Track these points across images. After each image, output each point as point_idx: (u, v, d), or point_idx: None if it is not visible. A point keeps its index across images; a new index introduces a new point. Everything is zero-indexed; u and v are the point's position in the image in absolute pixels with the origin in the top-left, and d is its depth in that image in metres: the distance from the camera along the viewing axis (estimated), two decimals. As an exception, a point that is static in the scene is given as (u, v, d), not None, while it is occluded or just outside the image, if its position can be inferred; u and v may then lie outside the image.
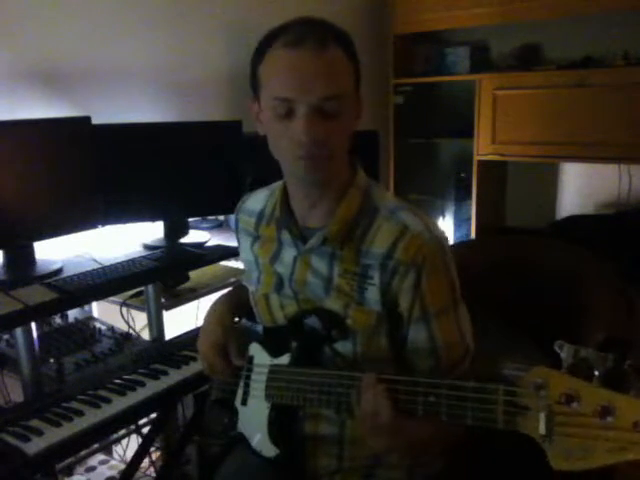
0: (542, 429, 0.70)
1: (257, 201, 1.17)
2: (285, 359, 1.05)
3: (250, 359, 1.12)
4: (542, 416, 0.70)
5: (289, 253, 1.07)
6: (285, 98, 0.91)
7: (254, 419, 1.08)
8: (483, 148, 2.89)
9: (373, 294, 0.98)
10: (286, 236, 1.07)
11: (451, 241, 3.04)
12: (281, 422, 1.05)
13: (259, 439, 1.06)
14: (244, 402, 1.12)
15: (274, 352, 1.08)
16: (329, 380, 0.95)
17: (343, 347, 1.02)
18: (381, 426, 0.84)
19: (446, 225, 3.19)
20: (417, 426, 0.86)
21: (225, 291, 1.29)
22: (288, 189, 1.06)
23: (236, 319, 1.21)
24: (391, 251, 0.97)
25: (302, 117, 0.90)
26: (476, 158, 2.92)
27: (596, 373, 0.70)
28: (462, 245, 1.81)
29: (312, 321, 1.03)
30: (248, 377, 1.12)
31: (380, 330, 1.00)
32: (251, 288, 1.16)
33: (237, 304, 1.21)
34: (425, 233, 0.97)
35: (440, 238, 0.99)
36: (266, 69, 0.95)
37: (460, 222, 3.17)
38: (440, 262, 0.97)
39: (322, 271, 1.03)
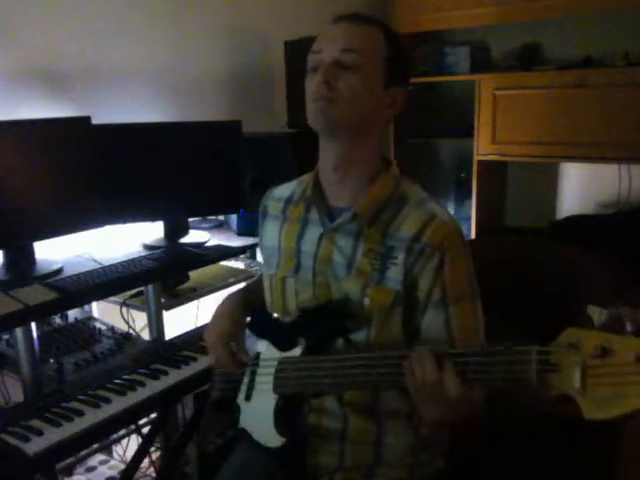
0: (577, 383, 0.71)
1: (286, 189, 1.22)
2: (297, 351, 1.06)
3: (257, 355, 1.14)
4: (576, 370, 0.71)
5: (315, 231, 1.10)
6: (315, 50, 1.03)
7: (259, 413, 1.08)
8: (483, 148, 2.89)
9: (394, 273, 1.01)
10: (314, 215, 1.11)
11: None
12: (288, 411, 1.06)
13: (264, 431, 1.07)
14: (248, 398, 1.12)
15: (284, 347, 1.09)
16: (342, 364, 0.96)
17: (357, 335, 1.03)
18: (447, 395, 0.85)
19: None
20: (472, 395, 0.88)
21: (234, 288, 1.31)
22: (319, 164, 1.11)
23: (247, 319, 1.22)
24: (419, 235, 1.01)
25: (323, 66, 1.00)
26: (476, 158, 2.92)
27: (628, 329, 0.71)
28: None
29: (325, 314, 1.05)
30: (254, 372, 1.13)
31: (395, 311, 1.02)
32: (270, 272, 1.17)
33: (249, 302, 1.23)
34: (452, 222, 1.03)
35: (463, 233, 1.05)
36: None
37: (460, 222, 3.16)
38: (463, 251, 1.02)
39: (346, 250, 1.06)
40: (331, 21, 1.05)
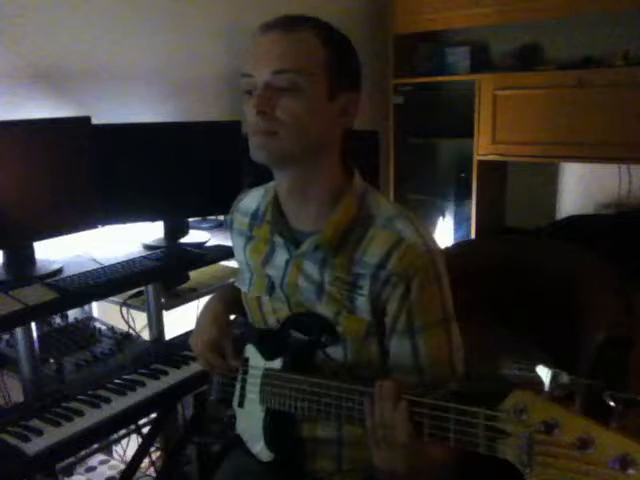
0: (522, 457, 0.69)
1: (252, 200, 1.16)
2: (278, 363, 1.04)
3: (246, 360, 1.11)
4: (522, 443, 0.69)
5: (281, 256, 1.05)
6: (246, 73, 0.94)
7: (251, 422, 1.07)
8: (483, 148, 2.89)
9: (362, 303, 0.97)
10: (278, 239, 1.05)
11: (451, 241, 3.04)
12: (277, 427, 1.04)
13: (255, 443, 1.06)
14: (241, 404, 1.11)
15: (267, 355, 1.07)
16: (317, 389, 0.93)
17: (334, 352, 1.00)
18: (395, 441, 0.82)
19: (446, 225, 3.19)
20: (427, 450, 0.83)
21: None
22: (276, 187, 1.05)
23: (232, 317, 1.20)
24: (384, 261, 0.95)
25: (256, 92, 0.92)
26: (476, 158, 2.92)
27: (577, 402, 0.69)
28: (462, 245, 1.81)
29: (304, 324, 1.02)
30: (244, 379, 1.11)
31: (370, 339, 0.99)
32: (243, 289, 1.15)
33: (232, 302, 1.20)
34: (420, 245, 0.95)
35: (435, 252, 0.97)
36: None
37: (460, 222, 3.17)
38: (432, 276, 0.95)
39: (314, 276, 1.01)
40: (258, 31, 0.94)
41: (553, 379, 0.72)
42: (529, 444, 0.68)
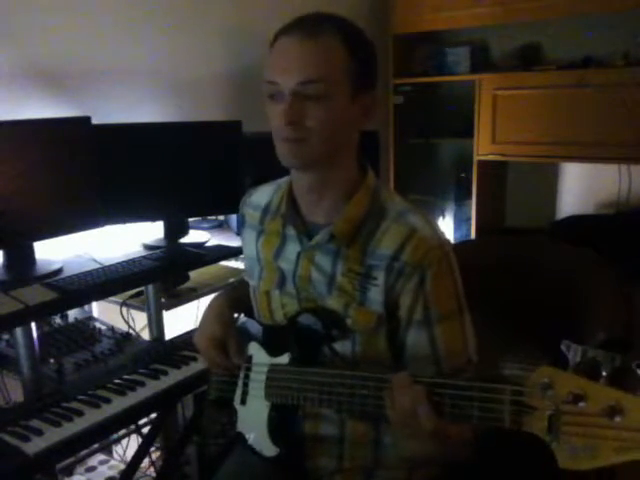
0: (549, 429, 0.70)
1: (263, 195, 1.17)
2: (285, 358, 1.04)
3: (249, 358, 1.12)
4: (549, 415, 0.70)
5: (293, 249, 1.07)
6: (271, 81, 0.94)
7: (253, 419, 1.08)
8: (483, 148, 2.89)
9: (375, 295, 0.98)
10: (291, 231, 1.07)
11: (451, 241, 3.04)
12: (281, 421, 1.05)
13: (259, 439, 1.06)
14: (243, 402, 1.12)
15: (273, 351, 1.07)
16: (329, 380, 0.94)
17: (342, 347, 1.01)
18: (422, 427, 0.81)
19: (446, 225, 3.19)
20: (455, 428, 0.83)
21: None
22: (293, 182, 1.07)
23: (235, 315, 1.21)
24: (398, 253, 0.97)
25: (284, 100, 0.92)
26: (476, 158, 2.92)
27: (603, 373, 0.70)
28: (462, 245, 1.81)
29: (312, 320, 1.03)
30: (247, 376, 1.11)
31: (379, 332, 1.00)
32: (252, 284, 1.16)
33: (236, 300, 1.21)
34: (433, 237, 0.98)
35: (447, 245, 1.00)
36: (267, 58, 0.97)
37: (460, 222, 3.17)
38: (446, 267, 0.98)
39: (326, 268, 1.02)
40: (280, 33, 0.95)
41: (580, 355, 0.73)
42: (556, 415, 0.69)
